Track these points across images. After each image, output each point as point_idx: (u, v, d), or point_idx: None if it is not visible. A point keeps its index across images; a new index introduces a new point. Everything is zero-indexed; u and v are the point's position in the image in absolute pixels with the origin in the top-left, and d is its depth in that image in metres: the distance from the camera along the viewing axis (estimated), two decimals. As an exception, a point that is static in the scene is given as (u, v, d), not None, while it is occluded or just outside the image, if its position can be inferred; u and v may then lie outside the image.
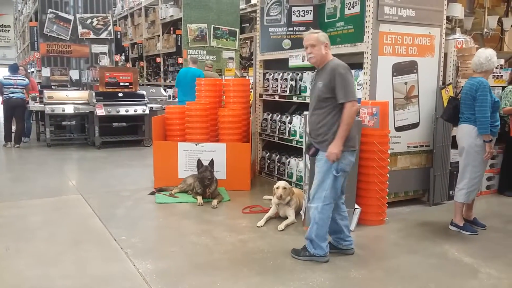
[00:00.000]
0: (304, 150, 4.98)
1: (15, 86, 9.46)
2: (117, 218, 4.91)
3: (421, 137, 5.30)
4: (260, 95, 6.89)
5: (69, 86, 11.93)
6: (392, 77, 5.00)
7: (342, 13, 5.29)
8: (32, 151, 9.37)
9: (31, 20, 13.51)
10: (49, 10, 12.11)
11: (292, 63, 5.94)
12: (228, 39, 12.48)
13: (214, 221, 4.83)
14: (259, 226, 4.58)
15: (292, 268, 3.61)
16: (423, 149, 5.34)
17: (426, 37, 5.14)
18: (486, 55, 4.37)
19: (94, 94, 9.55)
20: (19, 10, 19.82)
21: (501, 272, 3.61)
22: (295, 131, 6.03)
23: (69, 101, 9.73)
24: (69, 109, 9.55)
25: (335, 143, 3.54)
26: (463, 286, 3.43)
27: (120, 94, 9.68)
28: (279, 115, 6.46)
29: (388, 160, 4.66)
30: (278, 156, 6.50)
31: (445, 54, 5.40)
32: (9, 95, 9.41)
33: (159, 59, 13.96)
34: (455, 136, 4.89)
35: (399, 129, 5.12)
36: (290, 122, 6.15)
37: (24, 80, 9.72)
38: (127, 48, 15.56)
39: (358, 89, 4.86)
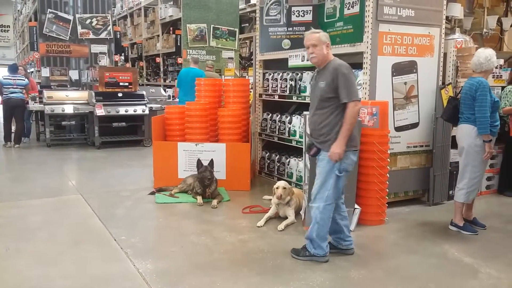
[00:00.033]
0: (304, 150, 4.98)
1: (14, 86, 9.46)
2: (117, 218, 4.91)
3: (421, 137, 5.30)
4: (260, 95, 6.89)
5: (68, 86, 11.93)
6: (391, 77, 5.00)
7: (341, 13, 5.29)
8: (32, 151, 9.37)
9: (30, 20, 13.50)
10: (49, 10, 12.10)
11: (291, 63, 5.94)
12: (228, 39, 12.48)
13: (214, 221, 4.83)
14: (259, 226, 4.58)
15: (292, 268, 3.62)
16: (423, 149, 5.35)
17: (426, 37, 5.14)
18: (486, 55, 4.37)
19: (93, 94, 9.55)
20: (18, 10, 19.80)
21: (501, 272, 3.61)
22: (294, 131, 6.03)
23: (68, 101, 9.74)
24: (68, 109, 9.55)
25: (338, 143, 3.54)
26: (463, 286, 3.43)
27: (120, 94, 9.68)
28: (279, 115, 6.46)
29: (388, 160, 4.67)
30: (278, 156, 6.50)
31: (445, 54, 5.40)
32: (9, 95, 9.40)
33: (158, 59, 13.96)
34: (455, 136, 4.90)
35: (398, 129, 5.12)
36: (290, 122, 6.15)
37: (24, 80, 9.72)
38: (126, 48, 15.56)
39: (357, 89, 4.86)
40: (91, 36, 12.59)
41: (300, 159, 5.93)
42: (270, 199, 4.97)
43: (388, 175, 4.68)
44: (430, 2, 5.10)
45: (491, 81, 5.64)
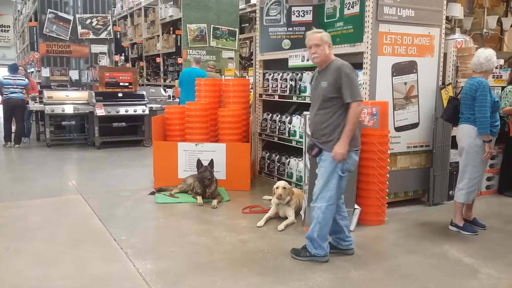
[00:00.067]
0: (304, 150, 4.98)
1: (14, 86, 9.46)
2: (117, 218, 4.91)
3: (421, 137, 5.30)
4: (260, 95, 6.89)
5: (68, 86, 11.93)
6: (391, 77, 5.00)
7: (341, 13, 5.29)
8: (32, 151, 9.37)
9: (30, 20, 13.50)
10: (49, 10, 12.10)
11: (291, 63, 5.94)
12: (228, 39, 12.48)
13: (214, 221, 4.83)
14: (259, 226, 4.58)
15: (292, 268, 3.62)
16: (423, 149, 5.35)
17: (426, 37, 5.14)
18: (486, 55, 4.37)
19: (93, 94, 9.55)
20: (18, 10, 19.81)
21: (501, 272, 3.61)
22: (295, 131, 6.03)
23: (68, 101, 9.74)
24: (68, 109, 9.55)
25: (341, 143, 3.54)
26: (463, 286, 3.43)
27: (120, 94, 9.68)
28: (279, 115, 6.46)
29: (388, 160, 4.66)
30: (278, 156, 6.50)
31: (445, 54, 5.40)
32: (9, 95, 9.41)
33: (158, 59, 13.96)
34: (455, 136, 4.90)
35: (398, 129, 5.12)
36: (290, 122, 6.15)
37: (24, 80, 9.72)
38: (126, 48, 15.57)
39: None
40: (91, 36, 12.59)
41: (300, 159, 5.93)
42: (270, 199, 4.97)
43: (388, 175, 4.68)
44: (430, 2, 5.10)
45: (491, 81, 5.63)
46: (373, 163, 4.53)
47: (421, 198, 5.52)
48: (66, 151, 9.30)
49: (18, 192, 5.96)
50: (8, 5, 25.88)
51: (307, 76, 5.80)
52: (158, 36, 13.73)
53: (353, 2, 5.05)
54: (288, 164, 6.23)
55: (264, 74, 6.83)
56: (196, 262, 3.74)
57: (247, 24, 14.34)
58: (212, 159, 5.60)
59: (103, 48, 12.69)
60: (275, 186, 4.73)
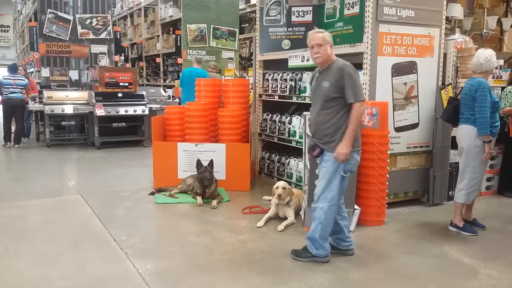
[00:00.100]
0: (305, 150, 4.98)
1: (14, 86, 9.46)
2: (116, 219, 4.91)
3: (421, 138, 5.30)
4: (260, 96, 6.89)
5: (68, 86, 11.93)
6: (391, 78, 5.00)
7: (341, 14, 5.29)
8: (32, 151, 9.37)
9: (30, 20, 13.50)
10: (49, 10, 12.10)
11: (291, 63, 5.94)
12: (228, 39, 12.48)
13: (213, 221, 4.83)
14: (258, 227, 4.58)
15: (292, 269, 3.61)
16: (423, 150, 5.35)
17: (426, 38, 5.14)
18: (486, 55, 4.37)
19: (93, 94, 9.55)
20: (18, 10, 19.80)
21: (501, 273, 3.61)
22: (294, 131, 6.03)
23: (68, 101, 9.74)
24: (68, 109, 9.55)
25: (344, 143, 3.54)
26: (463, 286, 3.43)
27: (120, 94, 9.68)
28: (279, 116, 6.46)
29: (388, 160, 4.66)
30: (277, 157, 6.50)
31: (445, 55, 5.40)
32: (9, 95, 9.41)
33: (158, 59, 13.96)
34: (454, 136, 4.90)
35: (398, 129, 5.12)
36: (290, 123, 6.14)
37: (24, 80, 9.72)
38: (126, 48, 15.56)
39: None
40: (91, 36, 12.59)
41: (300, 160, 5.92)
42: (270, 200, 4.97)
43: (388, 175, 4.68)
44: (430, 3, 5.10)
45: (491, 81, 5.63)
46: (373, 163, 4.53)
47: (421, 199, 5.52)
48: (66, 151, 9.29)
49: (18, 192, 5.95)
50: (8, 5, 25.88)
51: (307, 76, 5.80)
52: (158, 36, 13.73)
53: (353, 2, 5.05)
54: (288, 165, 6.23)
55: (264, 74, 6.83)
56: (196, 262, 3.74)
57: (247, 24, 14.34)
58: (211, 160, 5.60)
59: (103, 48, 12.69)
60: (274, 187, 4.73)
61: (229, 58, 12.50)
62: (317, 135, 3.73)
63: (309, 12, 5.93)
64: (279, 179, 5.96)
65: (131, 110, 9.59)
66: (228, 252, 3.97)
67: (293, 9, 6.04)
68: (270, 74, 6.62)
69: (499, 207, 5.57)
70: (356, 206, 4.54)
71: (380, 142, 4.56)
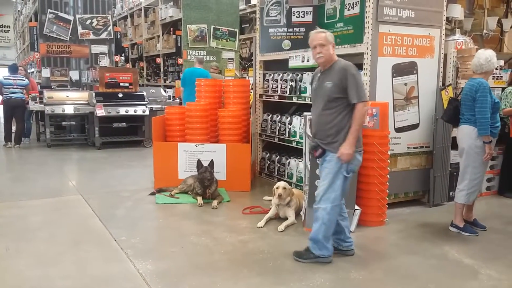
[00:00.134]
0: (304, 151, 4.98)
1: (15, 86, 9.46)
2: (117, 219, 4.91)
3: (421, 138, 5.31)
4: (260, 96, 6.89)
5: (69, 86, 11.94)
6: (392, 78, 5.00)
7: (341, 14, 5.29)
8: (32, 151, 9.37)
9: (30, 21, 13.51)
10: (49, 10, 12.11)
11: (292, 63, 5.94)
12: (228, 40, 12.48)
13: (214, 221, 4.83)
14: (259, 227, 4.59)
15: (292, 269, 3.62)
16: (423, 150, 5.35)
17: (426, 38, 5.15)
18: (486, 56, 4.37)
19: (94, 94, 9.55)
20: (18, 11, 19.82)
21: (501, 273, 3.61)
22: (295, 131, 6.03)
23: (69, 101, 9.73)
24: (69, 110, 9.55)
25: (348, 144, 3.53)
26: (463, 287, 3.43)
27: (120, 95, 9.68)
28: (279, 116, 6.47)
29: (388, 161, 4.66)
30: (278, 157, 6.50)
31: (445, 55, 5.40)
32: (9, 95, 9.41)
33: (159, 60, 13.96)
34: (455, 137, 4.90)
35: (399, 130, 5.12)
36: (290, 123, 6.15)
37: (24, 80, 9.72)
38: (127, 48, 15.57)
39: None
40: (92, 36, 12.60)
41: (300, 160, 5.93)
42: (270, 200, 4.97)
43: (388, 176, 4.68)
44: (430, 3, 5.11)
45: (492, 82, 5.63)
46: (373, 164, 4.53)
47: (421, 199, 5.52)
48: (66, 151, 9.30)
49: (18, 192, 5.96)
50: (8, 5, 25.89)
51: (307, 76, 5.80)
52: (158, 36, 13.74)
53: (353, 2, 5.06)
54: (288, 165, 6.23)
55: (264, 75, 6.83)
56: (197, 262, 3.75)
57: (247, 25, 14.34)
58: (212, 160, 5.60)
59: (103, 48, 12.70)
60: (275, 187, 4.73)
61: (229, 59, 12.51)
62: (319, 135, 3.72)
63: (309, 12, 5.93)
64: (279, 180, 5.97)
65: (131, 111, 9.60)
66: (228, 252, 3.97)
67: (293, 9, 6.04)
68: (271, 75, 6.62)
69: (500, 208, 5.57)
70: (356, 207, 4.54)
71: (381, 143, 4.56)
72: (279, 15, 6.32)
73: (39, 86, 11.35)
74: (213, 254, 3.93)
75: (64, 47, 12.39)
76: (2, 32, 28.73)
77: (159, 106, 10.06)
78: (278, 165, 6.44)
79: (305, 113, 4.89)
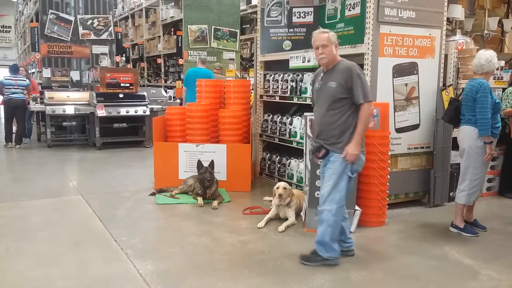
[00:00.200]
0: (305, 151, 4.98)
1: (15, 87, 9.47)
2: (117, 219, 4.91)
3: (422, 139, 5.30)
4: (261, 96, 6.89)
5: (70, 87, 11.94)
6: (392, 79, 5.00)
7: (342, 14, 5.30)
8: (33, 151, 9.38)
9: (31, 21, 13.52)
10: (50, 11, 12.11)
11: (292, 64, 5.94)
12: (229, 40, 12.49)
13: (214, 222, 4.84)
14: (259, 227, 4.58)
15: (292, 270, 3.61)
16: (424, 151, 5.35)
17: (427, 39, 5.15)
18: (487, 56, 4.37)
19: (94, 95, 9.56)
20: (19, 11, 19.83)
21: (501, 274, 3.61)
22: (295, 132, 6.03)
23: (69, 101, 9.74)
24: (69, 110, 9.56)
25: (354, 144, 3.52)
26: (463, 287, 3.43)
27: (121, 95, 9.69)
28: (280, 116, 6.47)
29: (389, 161, 4.66)
30: (278, 157, 6.50)
31: (446, 56, 5.40)
32: (10, 95, 9.42)
33: (159, 60, 13.97)
34: (455, 137, 4.90)
35: (399, 130, 5.12)
36: (291, 123, 6.15)
37: (25, 80, 9.73)
38: (127, 49, 15.57)
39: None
40: (93, 37, 12.61)
41: (301, 161, 5.92)
42: (271, 200, 4.97)
43: (388, 176, 4.68)
44: (431, 4, 5.11)
45: (492, 82, 5.63)
46: (374, 164, 4.53)
47: (421, 200, 5.52)
48: (67, 151, 9.30)
49: (19, 192, 5.96)
50: (9, 6, 25.92)
51: (307, 77, 5.80)
52: (159, 37, 13.75)
53: (354, 3, 5.06)
54: (288, 165, 6.23)
55: (265, 75, 6.83)
56: (197, 263, 3.75)
57: (248, 25, 14.34)
58: (212, 160, 5.60)
59: (104, 49, 12.70)
60: (275, 187, 4.73)
61: (230, 59, 12.52)
62: (322, 135, 3.69)
63: (310, 13, 5.93)
64: (280, 180, 5.97)
65: (132, 111, 9.60)
66: (228, 252, 3.98)
67: (294, 10, 6.05)
68: (271, 75, 6.62)
69: (500, 208, 5.56)
70: (356, 207, 4.54)
71: (381, 143, 4.56)
72: (280, 16, 6.32)
73: (40, 86, 11.35)
74: (213, 254, 3.93)
75: (65, 47, 12.40)
76: (3, 32, 28.76)
77: (160, 106, 10.06)
78: (279, 165, 6.44)
79: (305, 114, 4.89)
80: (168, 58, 13.59)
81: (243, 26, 13.95)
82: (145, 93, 10.08)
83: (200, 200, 5.42)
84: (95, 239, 4.28)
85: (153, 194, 5.79)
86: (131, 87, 9.90)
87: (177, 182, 5.88)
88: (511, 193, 5.92)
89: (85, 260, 3.79)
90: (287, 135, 6.21)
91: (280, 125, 6.38)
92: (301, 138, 5.77)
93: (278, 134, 6.43)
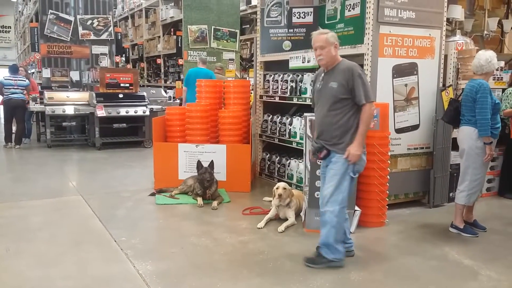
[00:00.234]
0: (305, 151, 4.98)
1: (15, 87, 9.47)
2: (117, 219, 4.91)
3: (421, 139, 5.31)
4: (261, 97, 6.89)
5: (69, 87, 11.94)
6: (392, 79, 5.01)
7: (342, 15, 5.30)
8: (33, 152, 9.37)
9: (31, 21, 13.52)
10: (50, 11, 12.11)
11: (292, 64, 5.94)
12: (229, 41, 12.49)
13: (214, 222, 4.84)
14: (259, 228, 4.59)
15: (292, 270, 3.62)
16: (423, 151, 5.35)
17: (426, 39, 5.15)
18: (486, 57, 4.37)
19: (94, 95, 9.56)
20: (19, 11, 19.82)
21: (501, 274, 3.61)
22: (295, 132, 6.03)
23: (69, 102, 9.73)
24: (69, 110, 9.56)
25: (356, 144, 3.52)
26: (463, 288, 3.44)
27: (121, 95, 9.69)
28: (279, 117, 6.47)
29: (388, 162, 4.67)
30: (278, 158, 6.50)
31: (445, 56, 5.40)
32: (10, 95, 9.41)
33: (159, 60, 13.97)
34: (455, 138, 4.90)
35: (399, 131, 5.12)
36: (291, 124, 6.15)
37: (25, 80, 9.73)
38: (127, 49, 15.56)
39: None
40: (92, 37, 12.61)
41: (300, 161, 5.93)
42: (271, 201, 4.97)
43: (388, 177, 4.68)
44: (430, 4, 5.11)
45: (492, 83, 5.63)
46: (374, 164, 4.53)
47: (421, 200, 5.52)
48: (67, 152, 9.30)
49: (19, 192, 5.96)
50: (9, 6, 25.91)
51: (307, 77, 5.80)
52: (159, 37, 13.74)
53: (354, 3, 5.06)
54: (288, 166, 6.23)
55: (264, 76, 6.83)
56: (196, 263, 3.75)
57: (248, 26, 14.35)
58: (212, 160, 5.60)
59: (104, 49, 12.70)
60: (275, 187, 4.73)
61: (230, 59, 12.52)
62: (324, 136, 3.68)
63: (310, 13, 5.94)
64: (279, 180, 5.97)
65: (132, 111, 9.60)
66: (228, 253, 3.98)
67: (293, 10, 6.05)
68: (271, 75, 6.63)
69: (500, 209, 5.57)
70: (356, 208, 4.54)
71: (381, 144, 4.56)
72: (279, 16, 6.32)
73: (39, 86, 11.36)
74: (213, 254, 3.93)
75: (65, 47, 12.39)
76: (3, 32, 28.75)
77: (160, 106, 10.06)
78: (278, 166, 6.44)
79: (305, 114, 4.89)
80: (168, 58, 13.59)
81: (243, 27, 13.95)
82: (144, 93, 10.08)
83: (199, 200, 5.42)
84: (95, 239, 4.28)
85: (153, 194, 5.79)
86: (130, 87, 9.90)
87: (176, 183, 5.88)
88: (511, 194, 5.92)
89: (85, 260, 3.79)
90: (287, 136, 6.21)
91: (279, 125, 6.38)
92: (301, 138, 5.77)
93: (277, 134, 6.43)
